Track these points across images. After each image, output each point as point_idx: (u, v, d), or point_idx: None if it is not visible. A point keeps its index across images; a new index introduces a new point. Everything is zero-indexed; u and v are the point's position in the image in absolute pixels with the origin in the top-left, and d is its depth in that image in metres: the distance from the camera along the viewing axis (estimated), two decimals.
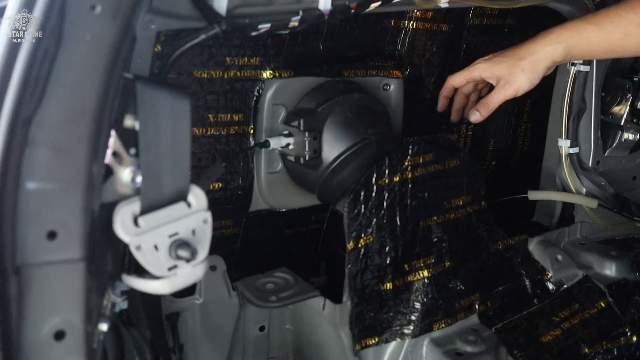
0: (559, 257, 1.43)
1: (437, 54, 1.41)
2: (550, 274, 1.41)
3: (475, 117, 1.30)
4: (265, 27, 1.02)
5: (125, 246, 0.88)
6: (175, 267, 0.88)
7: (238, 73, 1.17)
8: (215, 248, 1.29)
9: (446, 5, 1.20)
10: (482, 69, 1.26)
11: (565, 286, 1.41)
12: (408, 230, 1.23)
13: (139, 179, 0.85)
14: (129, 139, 0.85)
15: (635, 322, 1.35)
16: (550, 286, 1.40)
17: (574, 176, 1.51)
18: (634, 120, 1.52)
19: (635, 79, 1.48)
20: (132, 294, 0.99)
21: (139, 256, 0.86)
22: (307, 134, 1.19)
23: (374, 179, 1.17)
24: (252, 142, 1.23)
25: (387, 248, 1.21)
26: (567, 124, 1.48)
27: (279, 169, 1.27)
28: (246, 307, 1.28)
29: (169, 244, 0.88)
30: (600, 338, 1.33)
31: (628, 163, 1.58)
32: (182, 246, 0.88)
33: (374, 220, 1.19)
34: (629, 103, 1.50)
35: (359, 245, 1.19)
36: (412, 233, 1.24)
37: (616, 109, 1.52)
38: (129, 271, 0.92)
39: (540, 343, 1.30)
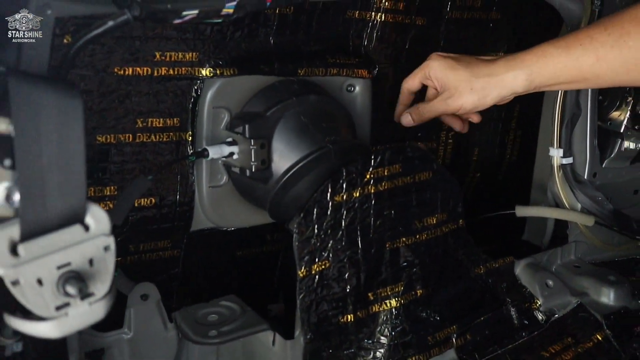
0: (550, 282, 1.25)
1: (410, 51, 1.24)
2: (539, 302, 1.23)
3: (407, 120, 1.14)
4: (191, 13, 0.85)
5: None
6: (65, 305, 0.71)
7: (171, 70, 1.00)
8: (152, 273, 1.12)
9: None
10: (432, 68, 1.08)
11: (556, 316, 1.23)
12: (372, 253, 1.06)
13: (16, 196, 0.69)
14: (2, 147, 0.69)
15: (637, 359, 1.18)
16: (540, 316, 1.23)
17: (568, 190, 1.34)
18: (635, 127, 1.35)
19: None
20: (25, 335, 0.82)
21: (16, 293, 0.69)
22: (253, 141, 1.02)
23: (329, 195, 1.00)
24: (190, 151, 1.06)
25: (347, 274, 1.04)
26: (559, 131, 1.30)
27: (224, 182, 1.09)
28: (189, 342, 1.11)
29: (57, 277, 0.71)
30: None
31: (628, 175, 1.41)
32: (70, 280, 0.71)
33: (330, 242, 1.02)
34: (629, 108, 1.33)
35: (313, 272, 1.02)
36: (377, 257, 1.07)
37: (615, 114, 1.35)
38: (13, 310, 0.75)
39: None
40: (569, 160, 1.32)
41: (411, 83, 1.13)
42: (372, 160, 1.02)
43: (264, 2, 0.90)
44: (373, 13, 1.16)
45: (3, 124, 0.68)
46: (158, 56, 0.98)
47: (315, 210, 0.99)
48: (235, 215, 1.13)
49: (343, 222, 1.02)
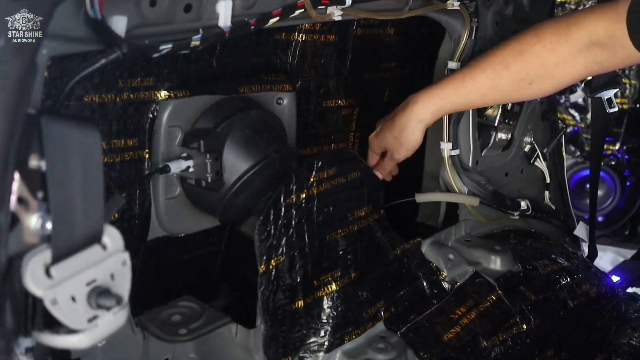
0: (451, 256, 1.49)
1: (326, 65, 1.41)
2: (444, 274, 1.46)
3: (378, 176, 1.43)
4: (166, 47, 0.96)
5: (29, 299, 0.79)
6: (95, 317, 0.81)
7: (132, 95, 1.09)
8: None
9: (339, 18, 1.20)
10: (374, 146, 1.41)
11: (458, 284, 1.47)
12: (316, 246, 1.22)
13: (48, 225, 0.77)
14: (35, 181, 0.76)
15: (524, 312, 1.44)
16: (446, 285, 1.45)
17: (456, 177, 1.58)
18: (506, 121, 1.62)
19: None
20: (39, 350, 0.89)
21: (55, 311, 0.78)
22: (208, 155, 1.14)
23: (282, 198, 1.14)
24: (148, 167, 1.15)
25: (298, 266, 1.19)
26: (448, 128, 1.54)
27: (178, 193, 1.20)
28: (149, 342, 1.20)
29: (87, 293, 0.80)
30: (495, 330, 1.40)
31: (501, 160, 1.68)
32: (103, 294, 0.80)
33: (284, 239, 1.16)
34: (500, 105, 1.59)
35: (270, 267, 1.16)
36: (320, 248, 1.23)
37: (489, 111, 1.60)
38: (37, 326, 0.82)
39: (442, 342, 1.35)
40: (456, 151, 1.56)
41: (371, 161, 1.43)
42: (315, 165, 1.18)
43: (224, 34, 1.03)
44: (296, 34, 1.32)
45: (34, 160, 0.76)
46: (121, 83, 1.07)
47: (271, 213, 1.13)
48: (187, 222, 1.24)
49: (293, 221, 1.17)
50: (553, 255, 1.65)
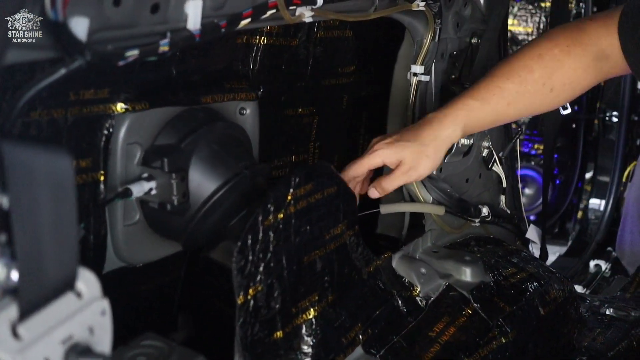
0: (423, 270, 1.41)
1: (287, 70, 1.30)
2: (418, 289, 1.39)
3: (373, 194, 1.27)
4: (133, 54, 0.82)
5: None
6: None
7: (84, 109, 0.94)
8: None
9: (310, 19, 1.10)
10: (385, 155, 1.21)
11: (432, 298, 1.40)
12: (294, 270, 1.11)
13: (14, 274, 0.63)
14: None
15: (501, 325, 1.39)
16: (420, 301, 1.38)
17: (421, 185, 1.51)
18: None
19: (467, 86, 1.52)
20: None
21: None
22: (173, 175, 1.01)
23: (260, 220, 1.03)
24: (104, 191, 1.01)
25: (276, 293, 1.08)
26: None
27: (137, 219, 1.06)
28: None
29: (65, 354, 0.66)
30: (475, 346, 1.34)
31: (461, 167, 1.63)
32: (83, 354, 0.66)
33: (262, 266, 1.05)
34: None
35: (249, 297, 1.04)
36: (298, 272, 1.12)
37: None
38: None
39: None
40: None
41: (357, 170, 1.24)
42: (292, 181, 1.07)
43: (193, 37, 0.91)
44: (257, 37, 1.20)
45: None
46: (72, 96, 0.92)
47: (249, 238, 1.01)
48: (147, 250, 1.10)
49: (271, 245, 1.05)
50: (517, 261, 1.61)
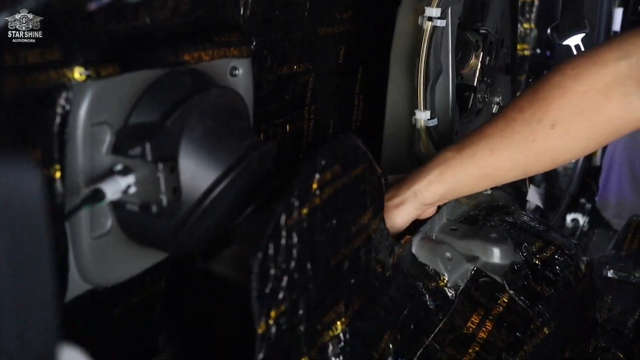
0: (448, 254, 1.18)
1: (282, 19, 1.02)
2: (445, 278, 1.16)
3: None
4: None
5: None
6: None
7: (26, 79, 0.64)
8: None
9: None
10: (400, 222, 1.15)
11: (461, 287, 1.17)
12: (319, 277, 0.85)
13: None
14: None
15: (542, 312, 1.18)
16: (449, 293, 1.15)
17: (434, 151, 1.27)
18: (485, 79, 1.32)
19: (483, 31, 1.27)
20: None
21: None
22: (160, 165, 0.72)
23: (283, 222, 0.76)
24: (61, 194, 0.71)
25: (301, 311, 0.82)
26: (424, 93, 1.21)
27: (109, 227, 0.77)
28: None
29: None
30: (519, 342, 1.13)
31: (473, 126, 1.39)
32: None
33: (285, 279, 0.78)
34: (479, 60, 1.30)
35: (270, 322, 0.77)
36: (324, 279, 0.87)
37: (466, 69, 1.30)
38: None
39: None
40: (434, 122, 1.25)
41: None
42: (317, 164, 0.80)
43: None
44: None
45: None
46: (10, 60, 0.61)
47: (272, 246, 0.74)
48: (123, 265, 0.82)
49: (294, 250, 0.79)
50: (539, 233, 1.40)
